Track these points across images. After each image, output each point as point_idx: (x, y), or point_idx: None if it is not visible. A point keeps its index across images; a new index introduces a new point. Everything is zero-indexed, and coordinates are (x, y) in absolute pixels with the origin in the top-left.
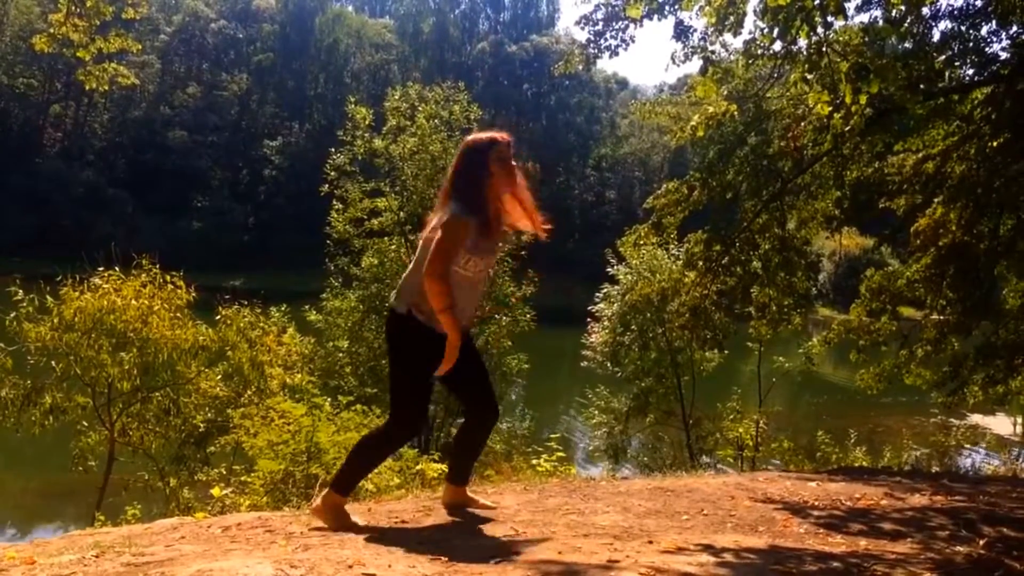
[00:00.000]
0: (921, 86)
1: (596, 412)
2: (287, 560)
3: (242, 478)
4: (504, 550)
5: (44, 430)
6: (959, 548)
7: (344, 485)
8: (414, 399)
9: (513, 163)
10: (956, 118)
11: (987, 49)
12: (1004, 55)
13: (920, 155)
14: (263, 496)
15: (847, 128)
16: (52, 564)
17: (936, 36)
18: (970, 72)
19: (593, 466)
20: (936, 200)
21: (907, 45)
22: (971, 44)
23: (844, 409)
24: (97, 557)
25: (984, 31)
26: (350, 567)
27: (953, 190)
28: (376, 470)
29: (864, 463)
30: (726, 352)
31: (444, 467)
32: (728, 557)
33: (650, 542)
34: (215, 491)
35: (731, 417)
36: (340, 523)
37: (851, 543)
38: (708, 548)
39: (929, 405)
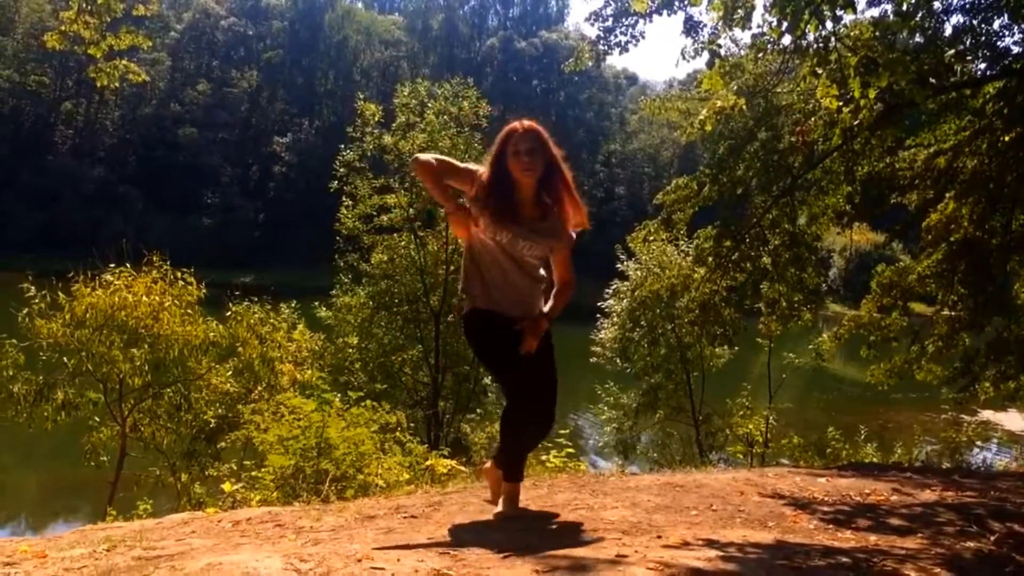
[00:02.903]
0: (932, 80)
1: (605, 408)
2: (297, 554)
3: (253, 473)
4: (513, 544)
5: (56, 425)
6: (968, 544)
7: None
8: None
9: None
10: (968, 113)
11: (999, 43)
12: (1016, 49)
13: (932, 150)
14: (273, 491)
15: (856, 122)
16: (64, 558)
17: (948, 30)
18: (982, 66)
19: (603, 462)
20: (948, 195)
21: (918, 39)
22: (983, 38)
23: (854, 405)
24: (108, 551)
25: (996, 25)
26: (359, 561)
27: (965, 185)
28: (387, 466)
29: (875, 459)
30: (736, 348)
31: (453, 463)
32: (736, 552)
33: (659, 537)
34: (226, 486)
35: (741, 413)
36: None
37: (860, 538)
38: (716, 543)
39: (940, 401)
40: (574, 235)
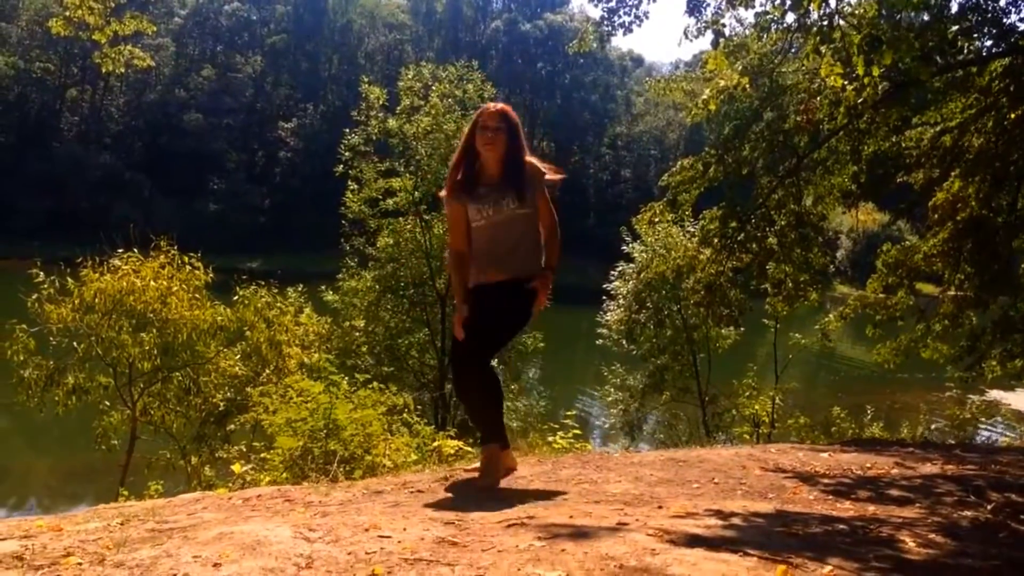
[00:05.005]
0: (937, 58)
1: (612, 390)
2: (306, 524)
3: (262, 455)
4: (516, 515)
5: (67, 410)
6: (966, 512)
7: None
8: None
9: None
10: (974, 91)
11: (1005, 20)
12: (1023, 26)
13: (938, 128)
14: (282, 472)
15: (860, 101)
16: (79, 531)
17: (954, 7)
18: (988, 44)
19: (610, 444)
20: (954, 174)
21: (924, 17)
22: (989, 15)
23: (861, 386)
24: (122, 524)
25: (1003, 2)
26: (366, 530)
27: (971, 163)
28: (395, 447)
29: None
30: (742, 329)
31: (460, 444)
32: (736, 520)
33: (660, 507)
34: (235, 467)
35: (747, 394)
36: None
37: (859, 508)
38: (717, 513)
39: (947, 380)
40: (550, 178)
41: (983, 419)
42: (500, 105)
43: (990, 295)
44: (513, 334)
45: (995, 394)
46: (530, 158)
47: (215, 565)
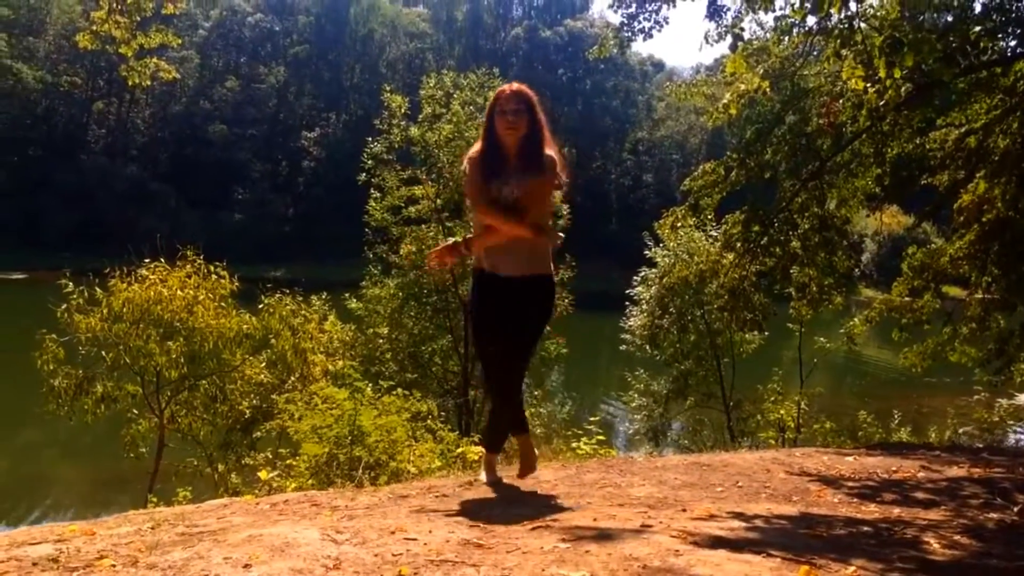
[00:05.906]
0: (960, 59)
1: (636, 395)
2: (333, 527)
3: (288, 462)
4: (541, 517)
5: (96, 418)
6: (992, 515)
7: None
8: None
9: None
10: (999, 91)
11: None
12: None
13: (962, 130)
14: (308, 478)
15: (882, 103)
16: (111, 535)
17: (977, 7)
18: (1012, 44)
19: (634, 450)
20: (979, 175)
21: (947, 18)
22: (1013, 15)
23: (888, 391)
24: (153, 529)
25: None
26: (392, 533)
27: (996, 165)
28: (419, 453)
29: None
30: (766, 334)
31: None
32: (759, 523)
33: (683, 510)
34: (262, 474)
35: (772, 399)
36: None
37: (884, 511)
38: (740, 515)
39: (975, 383)
40: (562, 178)
41: (1012, 422)
42: (515, 85)
43: (1018, 297)
44: (539, 337)
45: None
46: (550, 151)
47: (245, 566)
